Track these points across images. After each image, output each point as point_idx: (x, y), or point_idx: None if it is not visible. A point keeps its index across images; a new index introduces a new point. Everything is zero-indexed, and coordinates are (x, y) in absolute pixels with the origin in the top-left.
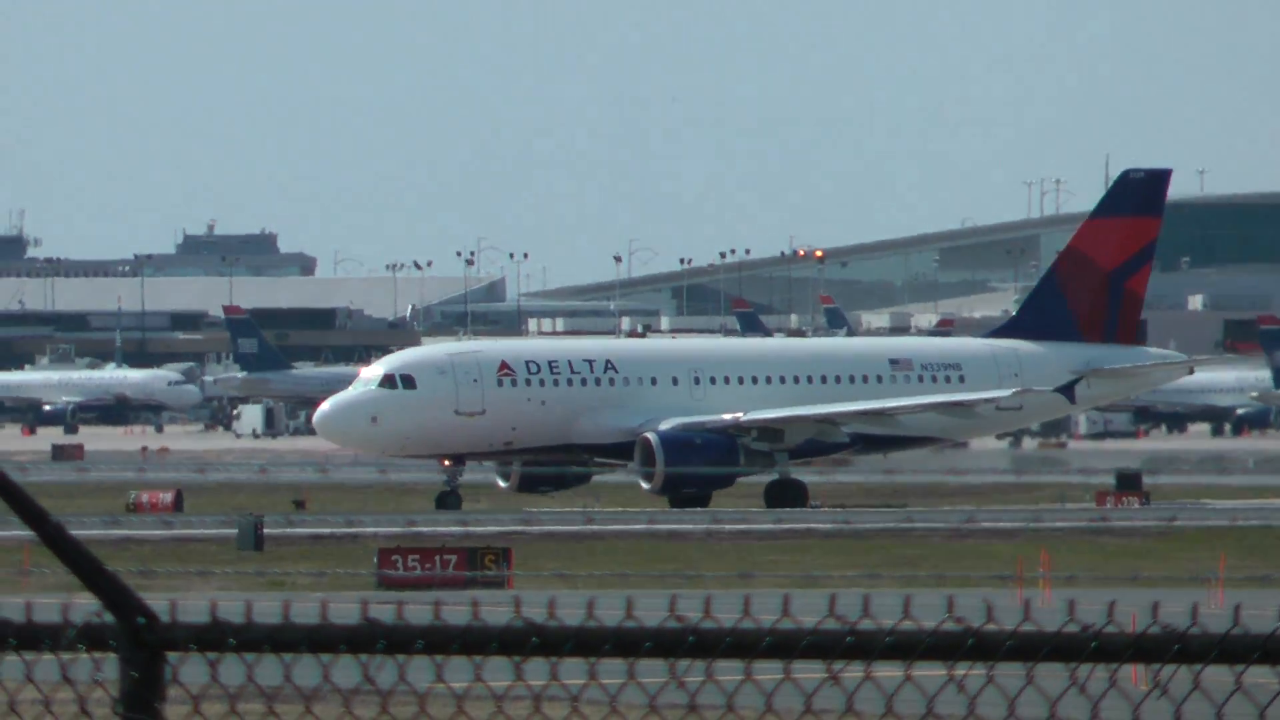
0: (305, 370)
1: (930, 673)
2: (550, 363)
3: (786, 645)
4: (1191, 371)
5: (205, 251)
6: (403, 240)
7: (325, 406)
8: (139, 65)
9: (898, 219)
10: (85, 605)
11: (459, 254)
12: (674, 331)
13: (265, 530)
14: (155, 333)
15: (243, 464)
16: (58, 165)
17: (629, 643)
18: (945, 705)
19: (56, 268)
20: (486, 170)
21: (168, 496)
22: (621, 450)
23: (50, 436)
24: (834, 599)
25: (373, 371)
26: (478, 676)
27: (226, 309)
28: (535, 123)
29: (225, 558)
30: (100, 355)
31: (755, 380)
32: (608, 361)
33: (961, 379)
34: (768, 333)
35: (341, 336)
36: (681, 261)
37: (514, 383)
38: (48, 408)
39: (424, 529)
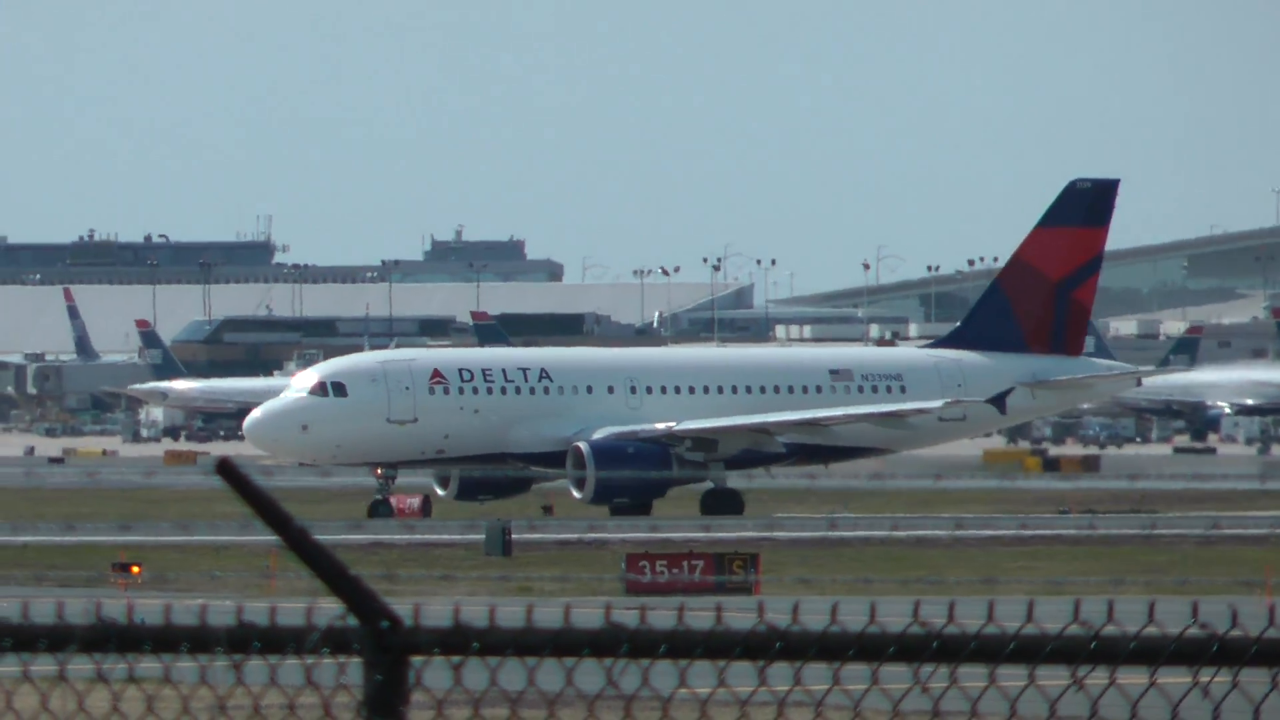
0: None
1: (1175, 680)
2: (484, 371)
3: (1030, 650)
4: (1139, 383)
5: (453, 258)
6: (650, 246)
7: (256, 413)
8: (388, 74)
9: (1146, 226)
10: (330, 609)
11: (706, 260)
12: (922, 339)
13: (513, 536)
14: (403, 338)
15: None
16: (306, 171)
17: (873, 648)
18: (1190, 712)
19: (304, 274)
20: (734, 176)
21: (415, 502)
22: (557, 459)
23: None
24: (1078, 605)
25: (304, 379)
26: (721, 681)
27: (474, 315)
28: (783, 128)
29: (473, 563)
30: None
31: (693, 390)
32: (542, 370)
33: (903, 389)
34: None
35: (589, 343)
36: (929, 268)
37: (446, 390)
38: None
39: (672, 535)
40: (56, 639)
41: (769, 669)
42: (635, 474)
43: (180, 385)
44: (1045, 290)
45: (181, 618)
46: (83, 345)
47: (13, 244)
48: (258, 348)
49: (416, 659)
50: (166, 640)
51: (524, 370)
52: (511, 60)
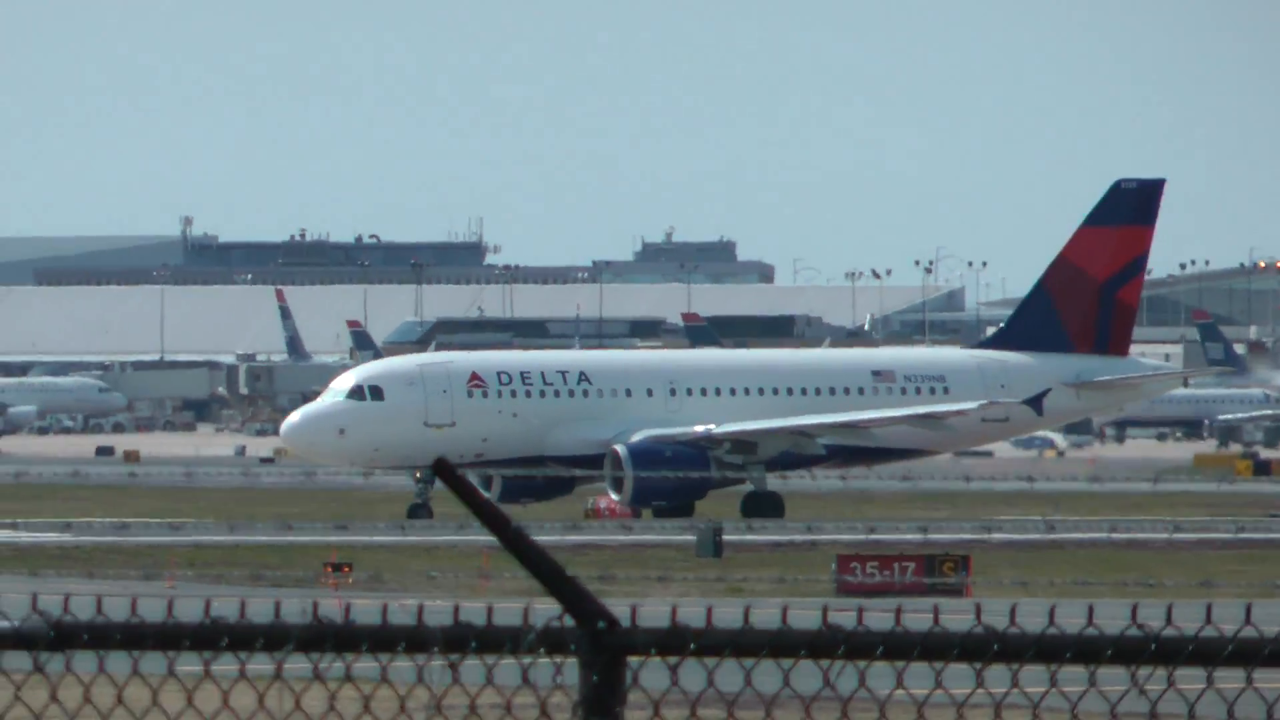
0: None
1: None
2: (522, 374)
3: (1248, 653)
4: (1186, 383)
5: (664, 259)
6: (861, 249)
7: (294, 417)
8: (599, 76)
9: None
10: (545, 610)
11: (918, 263)
12: (1136, 342)
13: (724, 537)
14: (614, 339)
15: None
16: (517, 172)
17: (1090, 650)
18: None
19: (515, 274)
20: (946, 179)
21: None
22: (596, 462)
23: None
24: None
25: (342, 382)
26: (939, 683)
27: (685, 316)
28: (995, 131)
29: (684, 564)
30: None
31: (734, 392)
32: (581, 373)
33: (946, 390)
34: (1228, 345)
35: (799, 345)
36: None
37: (485, 394)
38: None
39: (884, 536)
40: (273, 638)
41: (986, 671)
42: (673, 476)
43: None
44: (1090, 290)
45: (397, 617)
46: (294, 345)
47: (225, 243)
48: (469, 348)
49: (633, 659)
50: (383, 640)
51: (563, 373)
52: (722, 62)
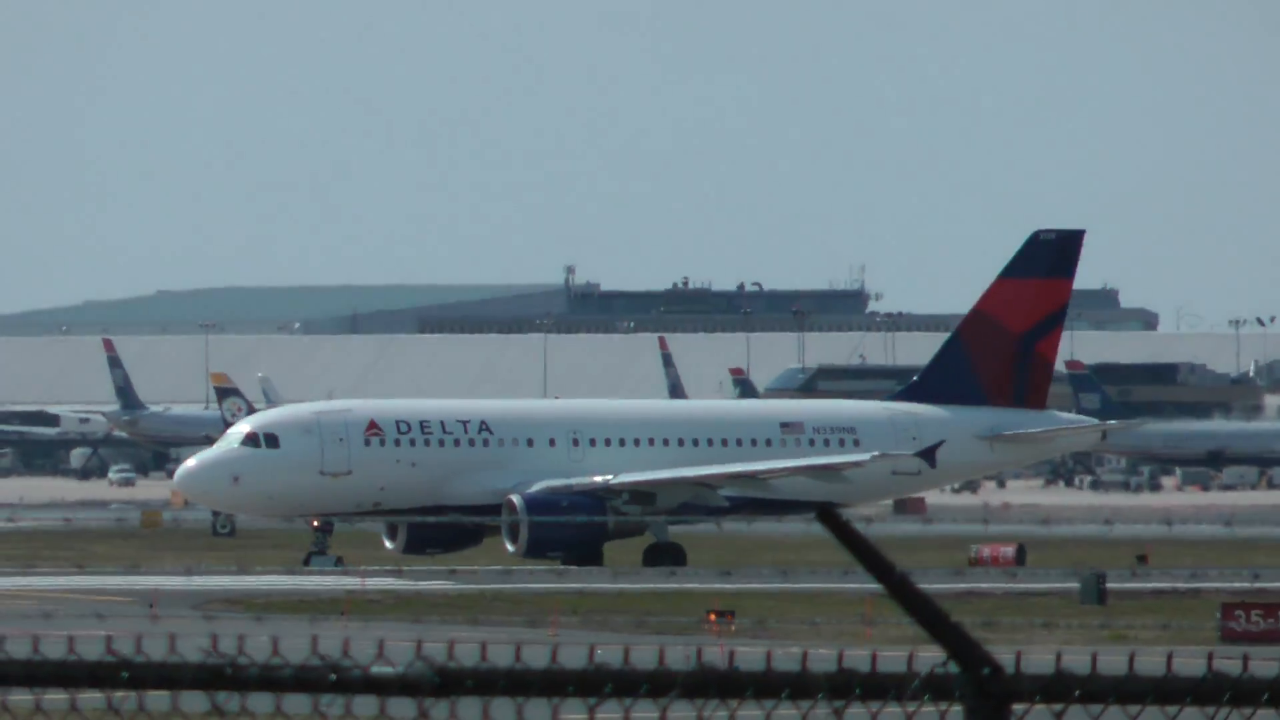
0: (1150, 426)
1: None
2: (422, 423)
3: None
4: (1104, 436)
5: None
6: (1246, 295)
7: (190, 463)
8: (972, 122)
9: None
10: (929, 657)
11: None
12: None
13: (1108, 584)
14: None
15: (1086, 518)
16: (899, 220)
17: None
18: None
19: (896, 322)
20: None
21: (1009, 550)
22: (497, 511)
23: None
24: None
25: (238, 429)
26: None
27: (1068, 364)
28: None
29: (1067, 612)
30: None
31: (638, 443)
32: (482, 422)
33: (856, 443)
34: None
35: (1183, 393)
36: None
37: (383, 442)
38: None
39: (1269, 584)
40: (658, 684)
41: None
42: (569, 525)
43: None
44: (1006, 342)
45: (781, 664)
46: (676, 392)
47: (607, 291)
48: (849, 395)
49: (1018, 706)
50: (766, 686)
51: (463, 422)
52: (1107, 107)
